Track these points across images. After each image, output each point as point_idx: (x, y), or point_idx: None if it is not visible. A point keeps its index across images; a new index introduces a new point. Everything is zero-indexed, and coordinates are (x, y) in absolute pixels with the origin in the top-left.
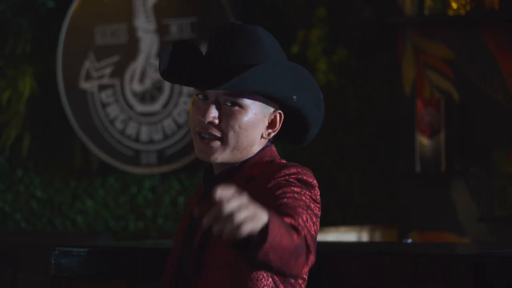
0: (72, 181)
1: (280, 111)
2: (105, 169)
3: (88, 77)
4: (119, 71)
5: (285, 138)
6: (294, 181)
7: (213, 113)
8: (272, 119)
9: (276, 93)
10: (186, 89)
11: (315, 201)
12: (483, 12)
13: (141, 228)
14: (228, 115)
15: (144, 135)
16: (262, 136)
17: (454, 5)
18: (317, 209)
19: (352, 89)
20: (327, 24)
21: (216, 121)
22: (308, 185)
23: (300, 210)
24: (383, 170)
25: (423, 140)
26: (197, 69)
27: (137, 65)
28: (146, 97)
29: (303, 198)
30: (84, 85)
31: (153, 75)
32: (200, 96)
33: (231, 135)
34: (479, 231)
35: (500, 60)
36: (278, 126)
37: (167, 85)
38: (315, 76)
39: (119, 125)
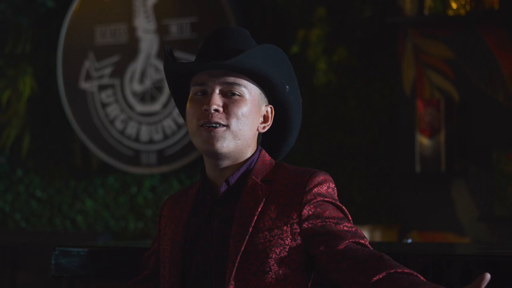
0: (72, 181)
1: (271, 106)
2: (105, 169)
3: (88, 77)
4: (119, 71)
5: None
6: (325, 203)
7: (218, 100)
8: (264, 113)
9: (275, 78)
10: None
11: (343, 212)
12: (483, 12)
13: (141, 228)
14: (231, 103)
15: (144, 135)
16: (257, 129)
17: (454, 5)
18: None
19: (352, 89)
20: (327, 24)
21: (221, 109)
22: (336, 199)
23: (353, 229)
24: (383, 170)
25: (423, 140)
26: (200, 56)
27: (137, 65)
28: (146, 97)
29: (342, 219)
30: (84, 85)
31: (153, 75)
32: (198, 93)
33: (235, 121)
34: (479, 231)
35: (500, 60)
36: (270, 120)
37: (167, 85)
38: (315, 76)
39: (119, 125)
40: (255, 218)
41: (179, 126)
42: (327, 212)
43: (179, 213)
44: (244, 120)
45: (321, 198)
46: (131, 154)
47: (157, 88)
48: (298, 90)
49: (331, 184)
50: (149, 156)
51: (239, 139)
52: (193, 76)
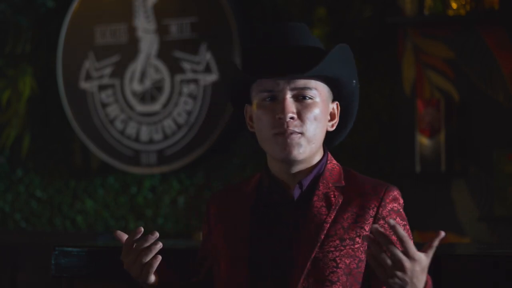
0: (72, 181)
1: (337, 102)
2: (105, 169)
3: (88, 77)
4: (119, 71)
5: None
6: (400, 220)
7: (292, 107)
8: (331, 111)
9: (347, 75)
10: (186, 89)
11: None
12: (483, 12)
13: None
14: (304, 108)
15: (144, 135)
16: (327, 129)
17: (454, 5)
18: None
19: None
20: (327, 24)
21: (295, 116)
22: (405, 217)
23: None
24: (383, 170)
25: (423, 140)
26: (272, 60)
27: (137, 65)
28: (146, 97)
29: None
30: (84, 85)
31: (153, 75)
32: (267, 99)
33: (310, 128)
34: (479, 231)
35: (500, 60)
36: (337, 117)
37: (167, 85)
38: None
39: (119, 125)
40: (328, 225)
41: (179, 126)
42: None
43: (235, 211)
44: (317, 124)
45: (395, 216)
46: (131, 154)
47: (157, 88)
48: (357, 83)
49: (401, 201)
50: (149, 156)
51: (313, 143)
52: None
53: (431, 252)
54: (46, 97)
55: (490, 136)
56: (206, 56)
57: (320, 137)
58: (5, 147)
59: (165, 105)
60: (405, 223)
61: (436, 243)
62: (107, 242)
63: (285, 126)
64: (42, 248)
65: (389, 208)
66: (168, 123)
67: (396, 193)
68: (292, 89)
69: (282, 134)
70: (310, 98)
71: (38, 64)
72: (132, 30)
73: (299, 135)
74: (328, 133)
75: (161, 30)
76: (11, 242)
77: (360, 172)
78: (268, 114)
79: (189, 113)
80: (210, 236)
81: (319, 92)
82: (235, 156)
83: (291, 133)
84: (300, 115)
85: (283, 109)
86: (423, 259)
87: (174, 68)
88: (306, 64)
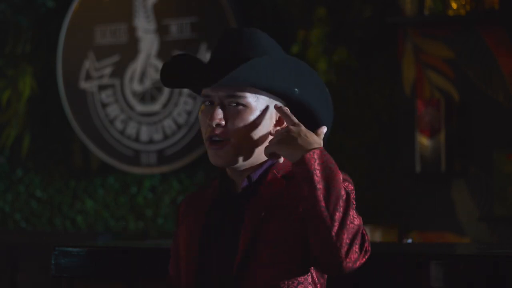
0: (72, 181)
1: (286, 108)
2: (105, 169)
3: (88, 77)
4: (119, 71)
5: None
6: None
7: (219, 114)
8: (279, 116)
9: (275, 86)
10: (186, 89)
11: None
12: (483, 12)
13: (141, 228)
14: (233, 116)
15: (144, 135)
16: (270, 133)
17: (454, 5)
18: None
19: (352, 89)
20: (327, 24)
21: (223, 123)
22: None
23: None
24: (383, 170)
25: (423, 140)
26: (196, 72)
27: (137, 65)
28: (146, 97)
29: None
30: (84, 85)
31: (153, 75)
32: (207, 103)
33: (239, 135)
34: (479, 231)
35: (500, 60)
36: (285, 122)
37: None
38: None
39: (119, 125)
40: (268, 209)
41: (179, 126)
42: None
43: (195, 210)
44: (250, 130)
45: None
46: (131, 154)
47: (157, 88)
48: (317, 86)
49: (350, 186)
50: (149, 156)
51: (247, 151)
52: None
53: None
54: (46, 97)
55: (490, 136)
56: (206, 56)
57: (257, 143)
58: (5, 147)
59: (165, 105)
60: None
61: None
62: (107, 242)
63: (212, 131)
64: (42, 248)
65: None
66: (168, 123)
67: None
68: (224, 97)
69: (212, 141)
70: (243, 105)
71: (38, 64)
72: (132, 30)
73: (228, 144)
74: None
75: (161, 30)
76: (11, 242)
77: (360, 172)
78: (203, 118)
79: (189, 113)
80: (176, 237)
81: (255, 98)
82: None
83: (214, 143)
84: (229, 123)
85: (211, 116)
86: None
87: None
88: (224, 74)
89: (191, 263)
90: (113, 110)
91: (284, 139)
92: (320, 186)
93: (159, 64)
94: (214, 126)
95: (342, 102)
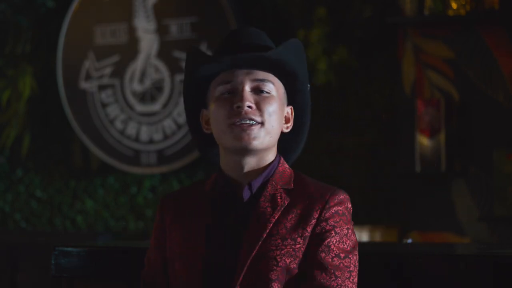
0: (72, 181)
1: (291, 107)
2: (105, 169)
3: (88, 77)
4: (119, 71)
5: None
6: (343, 223)
7: (250, 97)
8: (286, 115)
9: (302, 74)
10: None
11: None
12: (483, 12)
13: (141, 228)
14: (262, 100)
15: (144, 135)
16: (282, 129)
17: (454, 5)
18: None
19: (352, 89)
20: (327, 24)
21: (254, 106)
22: (351, 221)
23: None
24: (383, 170)
25: (423, 140)
26: (227, 55)
27: (137, 65)
28: (146, 97)
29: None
30: (84, 85)
31: (153, 75)
32: (226, 93)
33: (268, 118)
34: (479, 231)
35: (500, 60)
36: (291, 122)
37: (167, 85)
38: (315, 76)
39: (119, 125)
40: (271, 225)
41: (179, 126)
42: (334, 241)
43: (192, 209)
44: (275, 118)
45: (338, 218)
46: (131, 154)
47: (157, 88)
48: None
49: (348, 205)
50: (149, 156)
51: (271, 136)
52: (214, 77)
53: None
54: (46, 97)
55: (490, 136)
56: None
57: (277, 132)
58: (5, 147)
59: (165, 105)
60: (348, 226)
61: None
62: (107, 242)
63: (243, 114)
64: (42, 248)
65: (333, 211)
66: (168, 123)
67: (343, 197)
68: (251, 81)
69: (238, 125)
70: (267, 92)
71: (38, 64)
72: (132, 30)
73: (259, 125)
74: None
75: (161, 30)
76: (11, 242)
77: (360, 172)
78: (225, 106)
79: None
80: (165, 239)
81: (276, 89)
82: None
83: (250, 125)
84: (258, 106)
85: (241, 98)
86: None
87: (174, 68)
88: (265, 51)
89: (197, 263)
90: (113, 110)
91: None
92: None
93: (159, 64)
94: (246, 108)
95: (342, 102)
